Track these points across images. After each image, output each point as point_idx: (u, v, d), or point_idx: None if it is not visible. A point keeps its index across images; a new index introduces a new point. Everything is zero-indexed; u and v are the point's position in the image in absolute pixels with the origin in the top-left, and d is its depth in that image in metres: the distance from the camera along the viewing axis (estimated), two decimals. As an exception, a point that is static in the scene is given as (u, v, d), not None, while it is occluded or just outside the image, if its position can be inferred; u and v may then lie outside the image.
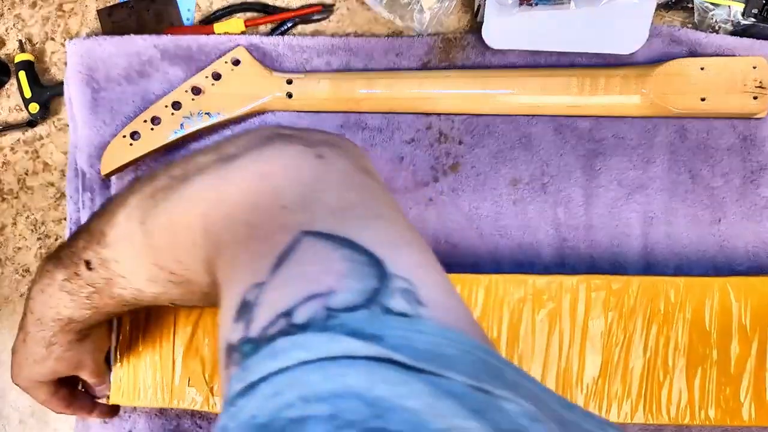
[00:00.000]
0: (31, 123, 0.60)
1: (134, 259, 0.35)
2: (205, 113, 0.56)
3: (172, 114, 0.56)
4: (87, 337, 0.45)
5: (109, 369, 0.52)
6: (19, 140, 0.61)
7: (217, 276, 0.30)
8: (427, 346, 0.21)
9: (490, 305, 0.49)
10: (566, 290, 0.49)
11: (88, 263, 0.38)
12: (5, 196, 0.61)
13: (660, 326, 0.49)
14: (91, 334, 0.45)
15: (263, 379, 0.21)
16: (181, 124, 0.56)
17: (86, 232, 0.38)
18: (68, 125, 0.59)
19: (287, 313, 0.23)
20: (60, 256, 0.40)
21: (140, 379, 0.52)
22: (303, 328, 0.22)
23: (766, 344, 0.49)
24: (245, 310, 0.25)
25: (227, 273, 0.28)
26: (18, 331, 0.44)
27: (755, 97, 0.53)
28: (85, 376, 0.48)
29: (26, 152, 0.61)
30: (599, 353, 0.49)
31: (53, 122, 0.61)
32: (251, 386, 0.21)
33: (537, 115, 0.56)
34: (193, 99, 0.56)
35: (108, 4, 0.60)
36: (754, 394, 0.48)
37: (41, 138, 0.61)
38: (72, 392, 0.50)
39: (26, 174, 0.61)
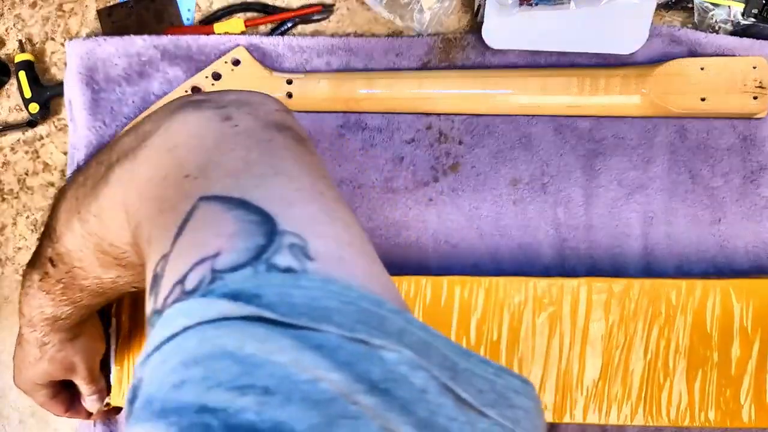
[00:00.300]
0: (31, 123, 0.60)
1: (81, 249, 0.35)
2: (205, 113, 0.55)
3: (172, 114, 0.56)
4: (78, 336, 0.46)
5: (108, 373, 0.52)
6: (19, 140, 0.61)
7: (143, 255, 0.30)
8: (304, 300, 0.21)
9: (491, 307, 0.49)
10: (567, 293, 0.49)
11: (51, 261, 0.38)
12: (5, 196, 0.61)
13: (661, 328, 0.49)
14: (82, 333, 0.46)
15: (156, 349, 0.21)
16: (181, 125, 0.56)
17: (45, 231, 0.39)
18: (68, 125, 0.59)
19: (181, 281, 0.23)
20: (34, 258, 0.41)
21: (140, 380, 0.52)
22: (191, 293, 0.23)
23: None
24: (155, 282, 0.25)
25: (147, 250, 0.28)
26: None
27: (755, 97, 0.53)
28: (78, 380, 0.49)
29: (26, 152, 0.61)
30: (599, 356, 0.49)
31: (53, 122, 0.61)
32: (147, 357, 0.21)
33: (537, 115, 0.56)
34: (192, 99, 0.56)
35: (108, 4, 0.60)
36: (754, 396, 0.48)
37: (41, 138, 0.61)
38: (71, 397, 0.51)
39: (26, 174, 0.61)
